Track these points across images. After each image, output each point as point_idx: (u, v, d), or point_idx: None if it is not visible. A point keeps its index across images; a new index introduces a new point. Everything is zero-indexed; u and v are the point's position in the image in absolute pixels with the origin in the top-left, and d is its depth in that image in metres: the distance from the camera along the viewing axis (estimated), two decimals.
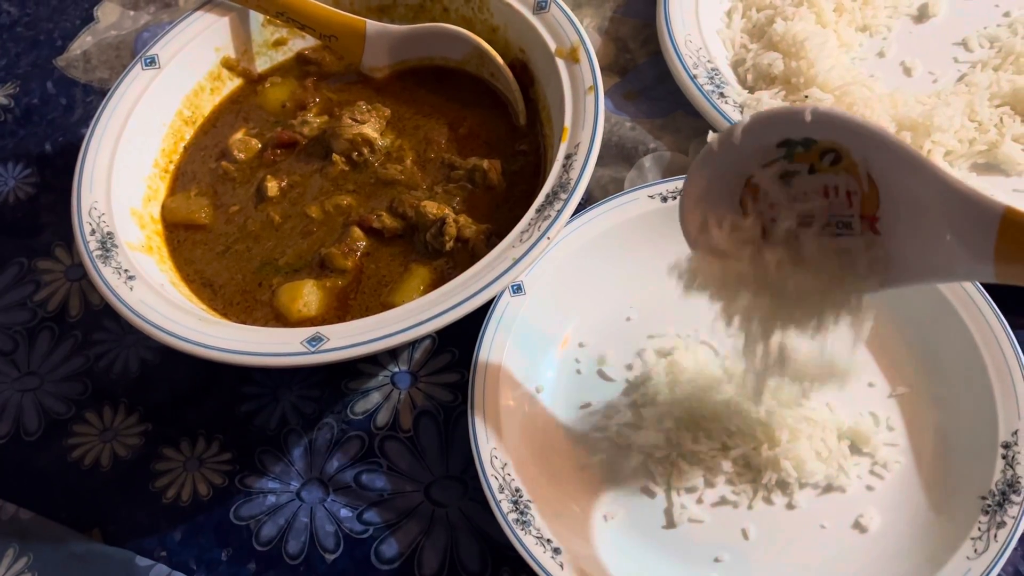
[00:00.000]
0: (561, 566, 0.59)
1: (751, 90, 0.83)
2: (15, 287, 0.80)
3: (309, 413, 0.71)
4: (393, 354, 0.73)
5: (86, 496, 0.69)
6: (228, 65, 0.84)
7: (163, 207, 0.77)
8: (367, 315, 0.65)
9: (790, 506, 0.64)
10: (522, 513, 0.61)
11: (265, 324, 0.69)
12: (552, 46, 0.75)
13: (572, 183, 0.66)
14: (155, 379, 0.74)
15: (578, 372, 0.70)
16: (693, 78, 0.80)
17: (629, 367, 0.70)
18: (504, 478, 0.62)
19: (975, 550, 0.59)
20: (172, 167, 0.80)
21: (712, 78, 0.81)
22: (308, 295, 0.70)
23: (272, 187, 0.77)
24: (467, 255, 0.70)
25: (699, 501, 0.64)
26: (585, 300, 0.72)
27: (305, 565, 0.65)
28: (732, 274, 0.55)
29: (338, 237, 0.73)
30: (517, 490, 0.62)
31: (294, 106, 0.83)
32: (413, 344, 0.73)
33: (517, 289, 0.70)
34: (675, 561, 0.62)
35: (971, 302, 0.66)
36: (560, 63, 0.74)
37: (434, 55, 0.83)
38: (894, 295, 0.68)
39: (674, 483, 0.65)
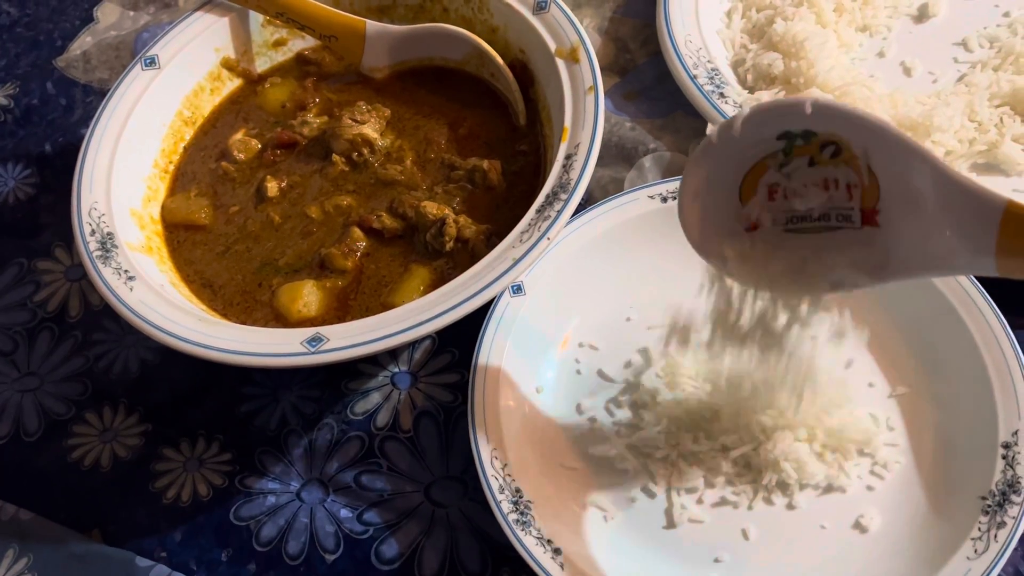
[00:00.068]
0: (561, 566, 0.59)
1: (751, 90, 0.83)
2: (15, 287, 0.80)
3: (309, 413, 0.71)
4: (393, 354, 0.73)
5: (86, 497, 0.69)
6: (228, 65, 0.84)
7: (163, 207, 0.77)
8: (367, 315, 0.64)
9: (790, 506, 0.64)
10: (522, 513, 0.61)
11: (265, 324, 0.69)
12: (552, 46, 0.75)
13: (572, 183, 0.66)
14: (155, 379, 0.74)
15: (578, 372, 0.70)
16: (693, 78, 0.80)
17: (629, 367, 0.70)
18: (504, 478, 0.62)
19: (975, 550, 0.59)
20: (172, 167, 0.80)
21: (712, 78, 0.81)
22: (308, 295, 0.70)
23: (272, 187, 0.77)
24: (467, 255, 0.70)
25: (699, 501, 0.64)
26: (585, 300, 0.72)
27: (305, 566, 0.65)
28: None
29: (338, 237, 0.73)
30: (517, 490, 0.62)
31: (294, 106, 0.83)
32: (413, 344, 0.73)
33: (517, 289, 0.70)
34: (675, 561, 0.62)
35: (971, 302, 0.66)
36: (560, 63, 0.74)
37: (434, 55, 0.83)
38: (894, 295, 0.69)
39: (674, 483, 0.65)
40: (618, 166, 0.81)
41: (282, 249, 0.74)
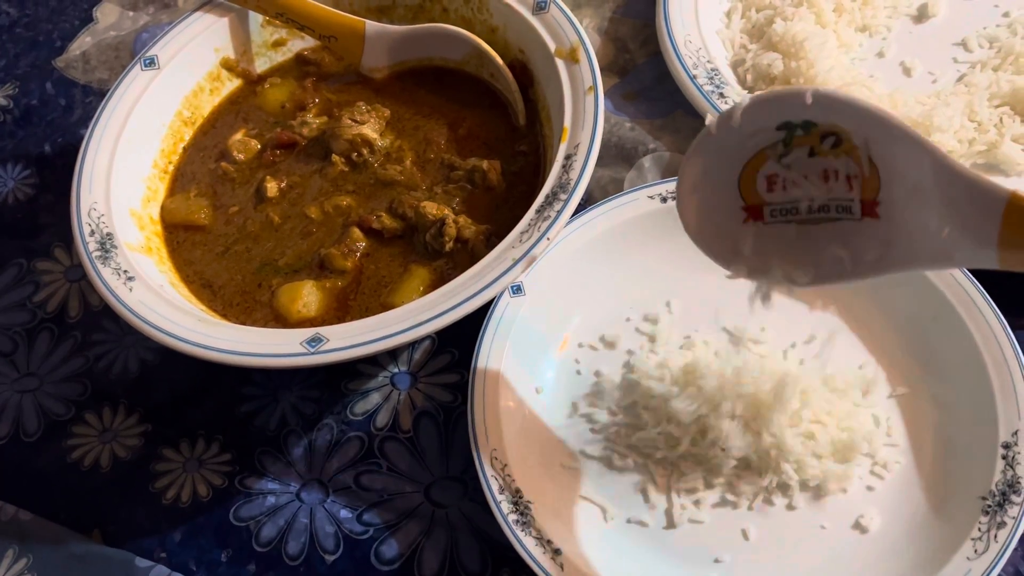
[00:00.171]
0: (561, 567, 0.59)
1: (751, 90, 0.83)
2: (14, 288, 0.80)
3: (309, 414, 0.71)
4: (393, 355, 0.73)
5: (86, 497, 0.69)
6: (227, 66, 0.84)
7: (162, 208, 0.77)
8: (367, 316, 0.64)
9: (790, 507, 0.64)
10: (522, 514, 0.61)
11: (265, 325, 0.69)
12: (552, 46, 0.75)
13: (572, 183, 0.66)
14: (155, 380, 0.74)
15: (577, 372, 0.70)
16: (693, 78, 0.80)
17: (628, 367, 0.70)
18: (504, 479, 0.62)
19: (975, 550, 0.59)
20: (171, 168, 0.79)
21: (712, 78, 0.81)
22: (308, 296, 0.70)
23: (271, 188, 0.77)
24: (467, 256, 0.70)
25: (699, 502, 0.64)
26: (585, 300, 0.72)
27: (305, 566, 0.65)
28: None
29: (338, 238, 0.73)
30: (517, 491, 0.62)
31: (293, 107, 0.83)
32: (413, 345, 0.73)
33: (517, 290, 0.70)
34: (675, 561, 0.62)
35: (971, 302, 0.66)
36: (560, 63, 0.74)
37: (433, 55, 0.83)
38: (895, 296, 0.69)
39: (674, 484, 0.65)
40: (618, 166, 0.81)
41: (282, 249, 0.74)
